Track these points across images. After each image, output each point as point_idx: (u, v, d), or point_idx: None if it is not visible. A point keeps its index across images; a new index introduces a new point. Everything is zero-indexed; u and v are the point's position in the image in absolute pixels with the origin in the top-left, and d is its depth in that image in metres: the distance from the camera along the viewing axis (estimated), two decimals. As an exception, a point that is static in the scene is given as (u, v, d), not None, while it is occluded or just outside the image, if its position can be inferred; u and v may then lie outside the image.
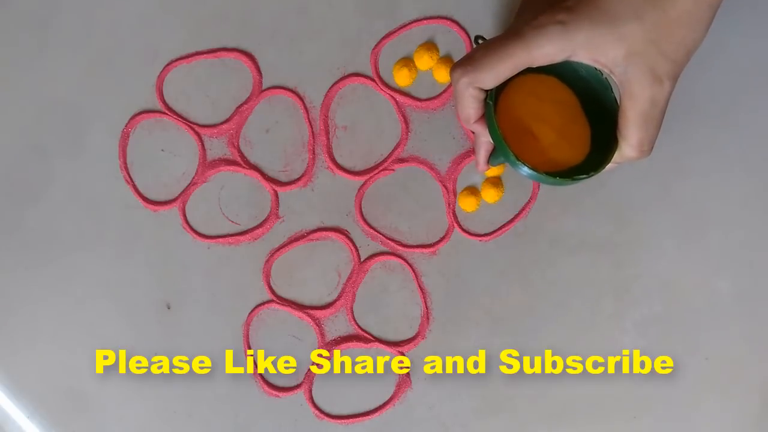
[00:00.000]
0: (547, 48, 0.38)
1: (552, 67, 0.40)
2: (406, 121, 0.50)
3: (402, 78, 0.50)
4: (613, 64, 0.38)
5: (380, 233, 0.50)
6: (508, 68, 0.38)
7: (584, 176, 0.40)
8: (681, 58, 0.38)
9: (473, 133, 0.43)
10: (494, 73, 0.39)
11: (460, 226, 0.50)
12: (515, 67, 0.38)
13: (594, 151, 0.42)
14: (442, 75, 0.50)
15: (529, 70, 0.40)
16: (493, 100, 0.40)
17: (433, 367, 0.49)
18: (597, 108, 0.41)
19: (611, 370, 0.49)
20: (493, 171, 0.49)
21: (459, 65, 0.39)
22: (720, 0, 0.38)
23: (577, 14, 0.37)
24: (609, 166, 0.41)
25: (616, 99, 0.40)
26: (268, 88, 0.51)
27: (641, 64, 0.38)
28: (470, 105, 0.40)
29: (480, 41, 0.42)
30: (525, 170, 0.40)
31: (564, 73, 0.42)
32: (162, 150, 0.51)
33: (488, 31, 0.50)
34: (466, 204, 0.50)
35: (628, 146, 0.40)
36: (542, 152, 0.41)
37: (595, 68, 0.39)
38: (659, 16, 0.37)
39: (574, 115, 0.42)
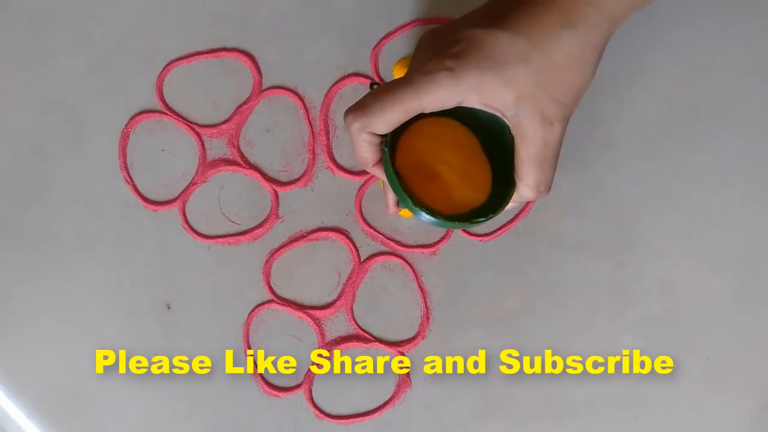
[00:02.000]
0: (437, 94, 0.38)
1: (452, 110, 0.40)
2: (406, 121, 0.50)
3: (402, 78, 0.50)
4: (504, 108, 0.38)
5: (380, 233, 0.50)
6: (398, 114, 0.39)
7: (482, 219, 0.41)
8: (569, 100, 0.39)
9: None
10: (385, 119, 0.39)
11: (460, 226, 0.50)
12: (406, 112, 0.39)
13: (495, 192, 0.42)
14: (442, 75, 0.50)
15: (429, 114, 0.40)
16: (389, 144, 0.40)
17: (433, 367, 0.49)
18: (498, 149, 0.42)
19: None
20: (406, 213, 0.49)
21: (351, 110, 0.40)
22: (605, 44, 0.39)
23: (465, 60, 0.38)
24: (510, 206, 0.42)
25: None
26: (268, 88, 0.51)
27: (531, 107, 0.38)
28: (366, 149, 0.41)
29: (374, 87, 0.42)
30: (423, 216, 0.40)
31: (464, 115, 0.42)
32: (162, 150, 0.51)
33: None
34: (466, 204, 0.50)
35: (524, 187, 0.41)
36: (444, 195, 0.41)
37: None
38: (545, 60, 0.38)
39: (475, 157, 0.43)
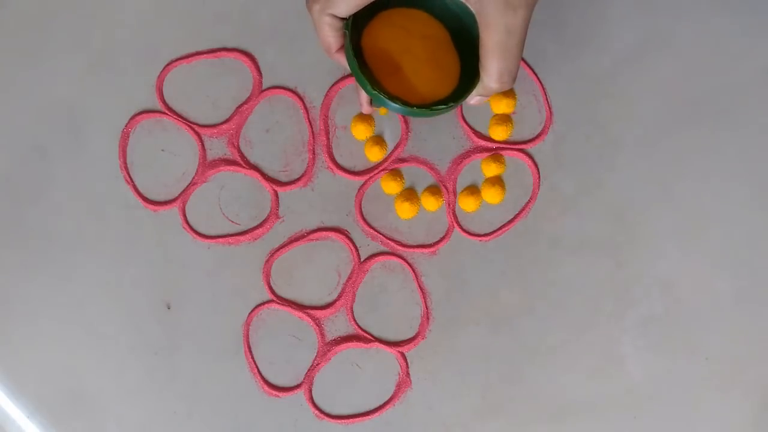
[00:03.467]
0: None
1: (423, 2, 0.40)
2: (406, 121, 0.50)
3: (402, 78, 0.50)
4: None
5: (380, 233, 0.50)
6: None
7: (443, 107, 0.40)
8: None
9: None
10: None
11: (460, 226, 0.50)
12: None
13: (462, 84, 0.42)
14: (442, 75, 0.50)
15: (399, 4, 0.40)
16: (351, 29, 0.40)
17: (433, 367, 0.49)
18: (469, 43, 0.41)
19: (611, 369, 0.49)
20: (383, 111, 0.49)
21: None
22: None
23: None
24: (477, 99, 0.42)
25: None
26: (268, 88, 0.51)
27: None
28: (328, 33, 0.41)
29: None
30: (382, 100, 0.40)
31: (435, 7, 0.42)
32: (162, 150, 0.51)
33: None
34: (466, 204, 0.50)
35: (487, 77, 0.40)
36: (409, 85, 0.41)
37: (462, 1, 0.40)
38: None
39: (443, 49, 0.42)
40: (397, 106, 0.40)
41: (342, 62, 0.42)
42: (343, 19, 0.40)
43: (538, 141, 0.50)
